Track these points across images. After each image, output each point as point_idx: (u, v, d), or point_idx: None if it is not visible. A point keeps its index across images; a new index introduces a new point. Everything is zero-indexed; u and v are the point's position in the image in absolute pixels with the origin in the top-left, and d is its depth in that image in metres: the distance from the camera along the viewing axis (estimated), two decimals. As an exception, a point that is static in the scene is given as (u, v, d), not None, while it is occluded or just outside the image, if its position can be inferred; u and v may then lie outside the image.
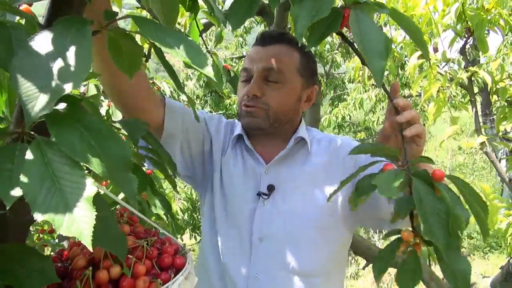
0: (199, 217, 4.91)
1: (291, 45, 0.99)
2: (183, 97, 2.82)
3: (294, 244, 0.94)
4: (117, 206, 1.13)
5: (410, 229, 0.57)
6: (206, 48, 1.40)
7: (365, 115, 4.93)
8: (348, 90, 6.05)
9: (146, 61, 1.82)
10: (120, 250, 0.51)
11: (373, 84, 4.43)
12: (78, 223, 0.36)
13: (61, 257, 0.63)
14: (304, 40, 0.58)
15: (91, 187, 0.38)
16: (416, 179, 0.57)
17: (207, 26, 1.38)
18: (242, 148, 1.04)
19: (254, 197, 0.98)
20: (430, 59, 1.87)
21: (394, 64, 2.10)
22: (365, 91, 4.35)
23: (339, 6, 0.56)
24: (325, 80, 7.68)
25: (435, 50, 1.90)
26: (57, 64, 0.39)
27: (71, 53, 0.40)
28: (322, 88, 7.84)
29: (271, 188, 0.97)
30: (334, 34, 0.65)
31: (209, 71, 0.46)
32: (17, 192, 0.36)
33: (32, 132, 0.44)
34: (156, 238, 0.66)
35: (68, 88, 0.38)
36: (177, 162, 0.96)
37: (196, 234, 5.11)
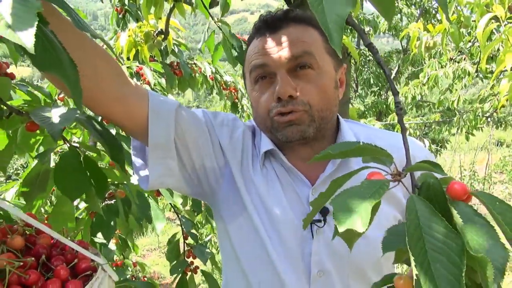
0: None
1: (304, 22, 0.80)
2: (226, 77, 2.71)
3: (361, 277, 0.79)
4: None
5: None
6: (212, 18, 1.24)
7: (440, 94, 4.34)
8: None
9: (165, 39, 1.73)
10: None
11: (451, 59, 3.87)
12: None
13: None
14: None
15: None
16: (415, 197, 0.37)
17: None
18: (274, 165, 0.84)
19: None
20: (504, 20, 1.49)
21: (459, 30, 1.72)
22: (441, 67, 3.80)
23: None
24: (402, 56, 7.02)
25: (511, 9, 1.51)
26: None
27: None
28: (399, 65, 7.22)
29: (325, 211, 0.78)
30: None
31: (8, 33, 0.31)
32: None
33: None
34: (56, 254, 0.55)
35: None
36: (178, 181, 0.81)
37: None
